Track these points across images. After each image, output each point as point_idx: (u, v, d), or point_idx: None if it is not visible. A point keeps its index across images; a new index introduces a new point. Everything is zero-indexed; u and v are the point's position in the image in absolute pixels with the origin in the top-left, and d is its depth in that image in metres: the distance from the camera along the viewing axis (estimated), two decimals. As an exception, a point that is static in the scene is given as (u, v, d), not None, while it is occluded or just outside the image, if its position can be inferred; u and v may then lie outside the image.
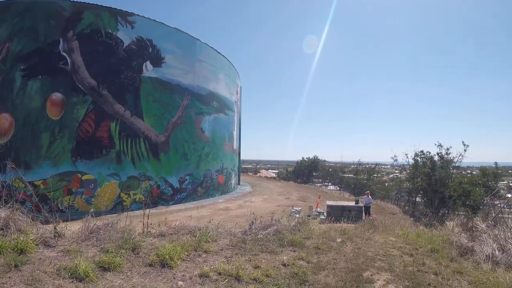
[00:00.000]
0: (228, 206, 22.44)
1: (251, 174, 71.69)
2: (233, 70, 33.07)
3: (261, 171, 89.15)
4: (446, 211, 22.52)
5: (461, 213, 17.63)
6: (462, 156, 23.92)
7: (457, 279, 7.02)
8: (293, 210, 19.55)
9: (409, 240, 10.60)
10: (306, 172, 59.93)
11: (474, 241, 9.70)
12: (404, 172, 31.63)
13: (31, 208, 18.30)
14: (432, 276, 7.14)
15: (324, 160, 61.60)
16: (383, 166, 62.33)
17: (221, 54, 29.25)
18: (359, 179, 47.23)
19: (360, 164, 52.16)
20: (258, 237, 9.04)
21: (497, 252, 8.32)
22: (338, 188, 47.18)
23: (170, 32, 23.55)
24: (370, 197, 21.04)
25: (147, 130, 21.39)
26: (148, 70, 21.71)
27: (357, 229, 12.64)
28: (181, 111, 23.46)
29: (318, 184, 54.09)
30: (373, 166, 51.59)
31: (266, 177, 64.37)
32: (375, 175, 50.71)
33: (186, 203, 22.99)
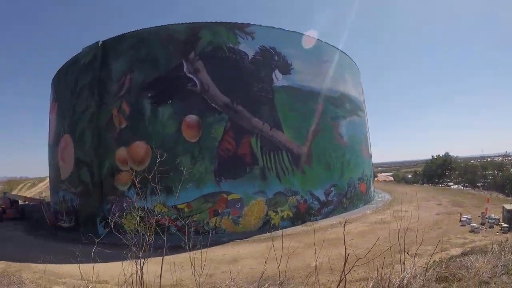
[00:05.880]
0: (382, 217, 19.69)
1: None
2: (356, 68, 30.45)
3: (377, 175, 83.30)
4: None
5: None
6: None
7: None
8: (463, 219, 16.32)
9: None
10: (439, 172, 53.57)
11: None
12: None
13: (177, 231, 18.18)
14: None
15: (457, 157, 54.43)
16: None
17: (343, 52, 26.96)
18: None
19: (507, 156, 44.57)
20: None
21: None
22: (478, 188, 40.32)
23: (290, 37, 21.99)
24: None
25: (288, 142, 19.86)
26: (278, 79, 20.33)
27: None
28: (317, 117, 21.58)
29: (453, 185, 47.58)
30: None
31: (385, 181, 59.28)
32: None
33: (333, 217, 20.81)
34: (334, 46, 25.51)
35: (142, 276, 6.38)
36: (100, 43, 21.56)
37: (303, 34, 22.85)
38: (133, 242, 6.17)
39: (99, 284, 10.83)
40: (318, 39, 23.85)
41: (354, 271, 8.79)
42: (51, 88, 28.46)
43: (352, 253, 12.48)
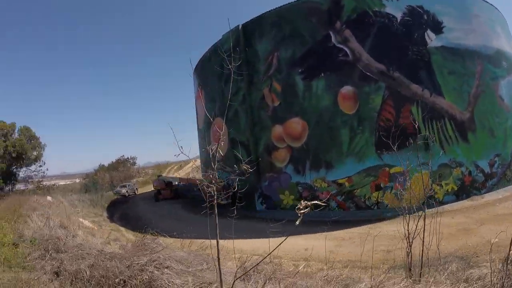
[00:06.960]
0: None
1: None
2: (504, 19, 26.88)
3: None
4: None
5: None
6: None
7: None
8: None
9: None
10: None
11: None
12: None
13: (337, 206, 18.07)
14: None
15: None
16: None
17: (489, 3, 23.95)
18: None
19: None
20: None
21: None
22: None
23: (435, -8, 19.94)
24: None
25: (450, 108, 18.32)
26: (432, 39, 18.69)
27: None
28: (477, 79, 19.54)
29: None
30: None
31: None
32: None
33: (498, 190, 18.87)
34: (481, -2, 22.78)
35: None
36: (240, 27, 21.96)
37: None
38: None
39: (275, 259, 11.03)
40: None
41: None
42: (194, 76, 30.21)
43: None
